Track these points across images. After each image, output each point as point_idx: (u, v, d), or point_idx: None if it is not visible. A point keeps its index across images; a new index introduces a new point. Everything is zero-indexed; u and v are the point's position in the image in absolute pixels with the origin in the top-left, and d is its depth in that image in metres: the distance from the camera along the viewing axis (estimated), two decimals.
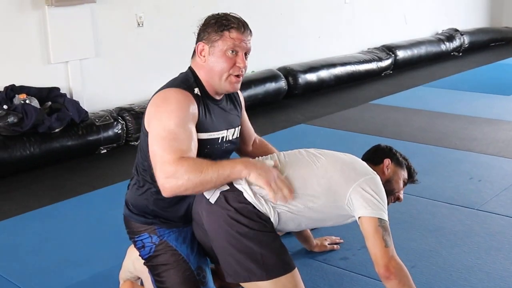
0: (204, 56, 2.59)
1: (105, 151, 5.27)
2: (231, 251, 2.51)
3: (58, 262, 3.35)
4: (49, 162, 4.93)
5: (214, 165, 2.42)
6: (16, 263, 3.36)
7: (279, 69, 7.06)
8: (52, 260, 3.37)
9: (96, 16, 5.52)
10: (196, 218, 2.64)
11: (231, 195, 2.52)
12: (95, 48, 5.55)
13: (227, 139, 2.67)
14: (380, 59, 8.22)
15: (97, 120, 5.24)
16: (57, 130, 4.93)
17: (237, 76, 2.59)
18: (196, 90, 2.56)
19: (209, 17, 2.63)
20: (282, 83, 6.87)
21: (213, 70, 2.58)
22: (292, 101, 7.00)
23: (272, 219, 2.53)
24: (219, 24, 2.56)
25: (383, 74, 8.30)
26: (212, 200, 2.54)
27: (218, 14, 2.62)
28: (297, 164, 2.63)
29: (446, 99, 6.92)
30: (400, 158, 2.97)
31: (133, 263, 2.76)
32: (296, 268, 2.56)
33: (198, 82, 2.60)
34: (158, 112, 2.50)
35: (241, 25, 2.58)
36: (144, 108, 5.60)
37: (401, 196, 2.98)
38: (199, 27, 2.63)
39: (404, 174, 2.96)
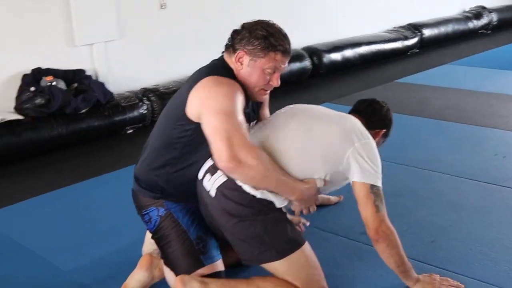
0: (241, 64, 2.59)
1: (131, 131, 5.33)
2: (239, 239, 2.59)
3: (84, 237, 3.43)
4: (76, 142, 5.01)
5: (279, 179, 2.52)
6: (45, 239, 3.44)
7: (304, 49, 7.06)
8: (79, 236, 3.45)
9: None
10: (201, 202, 2.70)
11: (228, 188, 2.56)
12: (119, 30, 5.60)
13: None
14: (406, 38, 8.17)
15: (122, 101, 5.30)
16: (83, 111, 5.01)
17: (267, 90, 2.65)
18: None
19: (257, 25, 2.59)
20: (307, 63, 6.88)
21: (248, 80, 2.59)
22: (316, 80, 7.00)
23: (277, 204, 2.58)
24: (268, 43, 2.53)
25: (409, 53, 8.25)
26: (212, 194, 2.60)
27: (267, 26, 2.58)
28: (294, 139, 2.63)
29: (473, 77, 6.87)
30: (390, 130, 2.98)
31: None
32: (305, 243, 2.62)
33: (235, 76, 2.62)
34: (212, 94, 2.49)
35: (287, 49, 2.60)
36: (169, 88, 5.67)
37: None
38: (245, 31, 2.58)
39: (382, 141, 2.97)
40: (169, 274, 2.72)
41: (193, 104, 2.53)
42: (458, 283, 2.74)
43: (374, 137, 2.76)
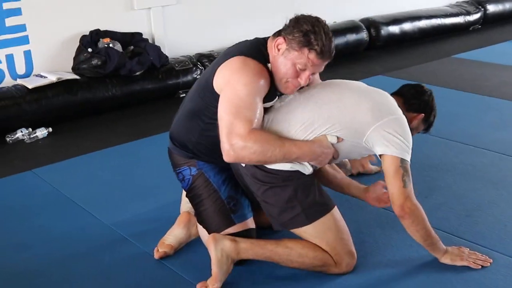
0: (278, 50, 2.58)
1: (184, 95, 5.44)
2: (269, 204, 2.69)
3: (129, 194, 3.58)
4: (129, 104, 5.17)
5: (283, 146, 2.54)
6: (91, 193, 3.60)
7: (362, 21, 7.01)
8: (124, 192, 3.60)
9: None
10: (233, 167, 2.79)
11: None
12: None
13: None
14: (468, 13, 8.00)
15: (176, 65, 5.41)
16: (138, 73, 5.15)
17: (295, 86, 2.64)
18: (269, 66, 2.62)
19: (306, 19, 2.57)
20: (364, 35, 6.84)
21: (278, 68, 2.60)
22: (373, 52, 6.96)
23: (305, 172, 2.63)
24: (306, 39, 2.51)
25: (470, 29, 8.08)
26: (243, 164, 2.68)
27: (315, 22, 2.55)
28: (323, 106, 2.64)
29: None
30: (432, 117, 2.91)
31: None
32: (334, 207, 2.69)
33: (268, 60, 2.63)
34: (234, 78, 2.56)
35: (324, 52, 2.54)
36: None
37: None
38: (293, 20, 2.59)
39: (421, 128, 2.93)
40: (203, 232, 2.84)
41: (219, 79, 2.62)
42: (486, 257, 2.76)
43: (410, 120, 2.75)
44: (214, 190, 2.78)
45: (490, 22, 8.35)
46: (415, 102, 2.84)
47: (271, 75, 2.61)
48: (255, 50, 2.63)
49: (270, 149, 2.51)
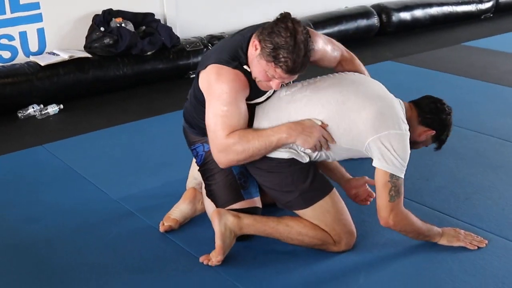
0: (255, 50, 2.52)
1: (194, 75, 5.50)
2: (268, 188, 2.79)
3: (137, 170, 3.66)
4: (140, 83, 5.24)
5: (260, 136, 2.60)
6: (100, 169, 3.69)
7: (373, 6, 7.02)
8: (132, 168, 3.69)
9: None
10: None
11: None
12: None
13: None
14: (481, 1, 7.98)
15: (187, 45, 5.47)
16: (149, 53, 5.21)
17: (268, 86, 2.62)
18: (246, 67, 2.60)
19: (282, 29, 2.44)
20: (375, 20, 6.85)
21: (252, 68, 2.58)
22: (383, 38, 6.98)
23: (301, 161, 2.68)
24: (274, 54, 2.44)
25: (482, 17, 8.06)
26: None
27: (290, 34, 2.43)
28: (326, 105, 2.63)
29: None
30: (444, 136, 2.82)
31: (196, 170, 3.02)
32: (333, 189, 2.76)
33: (245, 62, 2.60)
34: (211, 90, 2.62)
35: (291, 70, 2.46)
36: None
37: None
38: (271, 26, 2.48)
39: (429, 143, 2.85)
40: (209, 207, 2.91)
41: (202, 84, 2.68)
42: (482, 238, 2.83)
43: (419, 134, 2.73)
44: None
45: (503, 11, 8.33)
46: (430, 117, 2.74)
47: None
48: (231, 55, 2.61)
49: (250, 145, 2.59)
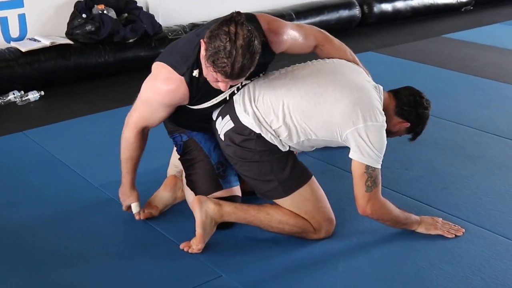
0: (204, 51, 2.42)
1: None
2: (247, 177, 2.80)
3: (117, 157, 3.59)
4: (121, 70, 5.23)
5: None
6: (81, 156, 3.69)
7: None
8: (113, 155, 3.63)
9: None
10: (217, 139, 2.86)
11: (235, 133, 2.70)
12: None
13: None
14: None
15: (170, 33, 5.47)
16: (131, 40, 5.21)
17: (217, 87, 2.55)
18: (195, 72, 2.55)
19: (220, 29, 2.35)
20: (356, 11, 6.88)
21: (203, 70, 2.51)
22: (365, 29, 7.02)
23: (281, 149, 2.71)
24: (214, 58, 2.35)
25: (462, 10, 8.13)
26: (222, 137, 2.77)
27: (228, 37, 2.33)
28: (304, 97, 2.65)
29: None
30: (419, 129, 2.85)
31: (177, 158, 3.03)
32: (312, 177, 2.78)
33: (199, 63, 2.53)
34: (144, 85, 2.75)
35: (230, 74, 2.39)
36: None
37: None
38: (214, 29, 2.38)
39: (403, 133, 2.89)
40: (189, 195, 2.93)
41: None
42: (459, 227, 2.87)
43: (394, 124, 2.75)
44: (205, 155, 2.88)
45: (482, 3, 8.40)
46: (408, 110, 2.77)
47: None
48: (184, 55, 2.57)
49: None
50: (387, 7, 7.20)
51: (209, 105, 2.73)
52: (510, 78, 5.18)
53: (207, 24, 2.60)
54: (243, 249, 2.78)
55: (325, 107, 2.63)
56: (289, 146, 2.72)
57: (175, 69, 2.57)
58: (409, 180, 3.37)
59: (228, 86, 2.51)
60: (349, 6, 6.83)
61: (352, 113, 2.59)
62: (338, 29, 6.63)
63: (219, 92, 2.66)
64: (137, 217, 2.95)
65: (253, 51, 2.38)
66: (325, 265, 2.68)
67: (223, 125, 2.75)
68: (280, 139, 2.68)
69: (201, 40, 2.45)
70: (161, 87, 2.63)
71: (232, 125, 2.71)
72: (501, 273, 2.60)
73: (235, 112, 2.70)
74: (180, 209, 3.05)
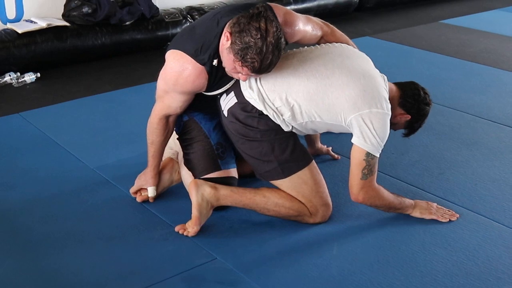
0: (227, 41, 2.47)
1: None
2: (248, 155, 2.79)
3: (114, 139, 3.66)
4: (118, 53, 5.21)
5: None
6: (77, 138, 3.69)
7: None
8: (109, 137, 3.69)
9: None
10: (220, 116, 2.87)
11: (238, 109, 2.71)
12: None
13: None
14: None
15: (167, 16, 5.45)
16: (128, 23, 5.18)
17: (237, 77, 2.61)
18: (215, 62, 2.59)
19: (253, 28, 2.41)
20: None
21: (222, 58, 2.56)
22: (362, 14, 7.00)
23: (284, 128, 2.71)
24: (243, 53, 2.42)
25: None
26: (225, 113, 2.77)
27: (260, 33, 2.39)
28: (311, 78, 2.65)
29: None
30: (416, 125, 2.88)
31: (173, 140, 3.04)
32: (312, 161, 2.79)
33: (218, 52, 2.58)
34: (161, 74, 2.77)
35: (257, 70, 2.47)
36: (214, 8, 5.79)
37: None
38: (244, 22, 2.43)
39: (401, 127, 2.91)
40: (186, 177, 2.94)
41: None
42: (454, 212, 2.88)
43: (396, 115, 2.76)
44: (204, 135, 2.89)
45: None
46: (411, 102, 2.79)
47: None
48: (205, 44, 2.59)
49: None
50: None
51: (221, 91, 2.78)
52: (507, 64, 5.18)
53: (222, 11, 2.67)
54: (238, 232, 2.79)
55: (331, 90, 2.63)
56: (292, 127, 2.71)
57: (195, 58, 2.60)
58: (404, 165, 3.38)
59: (247, 78, 2.57)
60: None
61: (357, 98, 2.60)
62: (336, 14, 6.64)
63: (231, 78, 2.70)
64: (139, 199, 2.98)
65: (280, 48, 2.47)
66: (319, 248, 2.69)
67: (227, 102, 2.76)
68: (283, 118, 2.68)
69: (226, 30, 2.49)
70: (181, 76, 2.64)
71: (236, 100, 2.72)
72: (495, 258, 2.61)
73: (240, 88, 2.71)
74: (176, 192, 3.05)
